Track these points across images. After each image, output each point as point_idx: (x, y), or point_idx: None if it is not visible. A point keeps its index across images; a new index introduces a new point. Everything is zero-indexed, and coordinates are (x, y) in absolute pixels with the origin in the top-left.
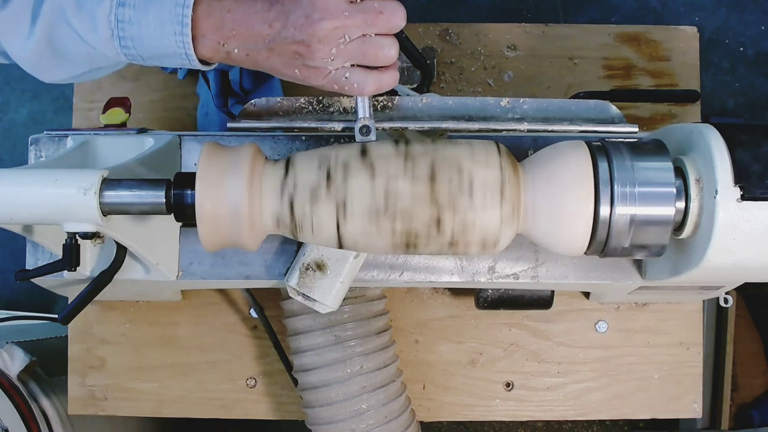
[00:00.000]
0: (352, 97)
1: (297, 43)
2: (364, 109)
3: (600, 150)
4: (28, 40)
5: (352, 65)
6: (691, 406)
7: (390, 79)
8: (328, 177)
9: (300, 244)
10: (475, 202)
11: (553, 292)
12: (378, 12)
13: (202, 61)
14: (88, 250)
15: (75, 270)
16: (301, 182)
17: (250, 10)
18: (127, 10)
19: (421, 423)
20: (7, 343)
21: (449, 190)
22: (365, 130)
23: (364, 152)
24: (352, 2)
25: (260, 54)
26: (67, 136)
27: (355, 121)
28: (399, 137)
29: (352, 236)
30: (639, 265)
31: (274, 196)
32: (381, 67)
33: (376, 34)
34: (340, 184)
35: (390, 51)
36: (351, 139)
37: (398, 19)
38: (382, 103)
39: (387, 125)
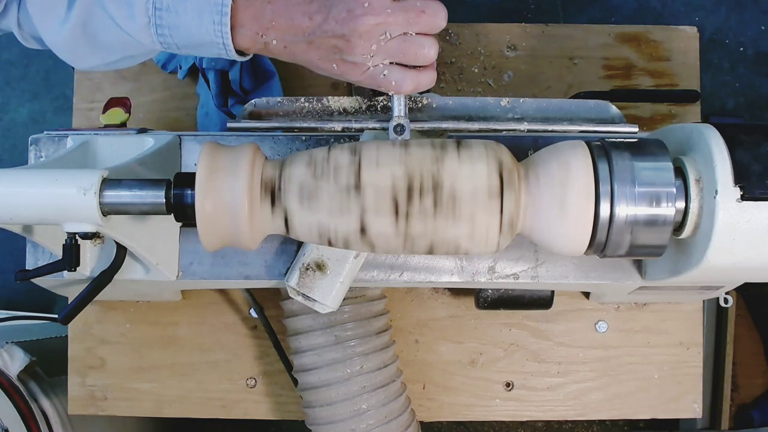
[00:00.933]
0: (388, 94)
1: (337, 37)
2: (399, 108)
3: (600, 150)
4: (63, 25)
5: (391, 63)
6: (691, 406)
7: (428, 79)
8: (330, 243)
9: (300, 244)
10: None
11: (553, 292)
12: (420, 11)
13: (239, 52)
14: (88, 250)
15: (75, 270)
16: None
17: (291, 2)
18: None
19: (421, 423)
20: (7, 343)
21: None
22: (399, 128)
23: (363, 230)
24: (395, 0)
25: (298, 46)
26: (67, 136)
27: (389, 120)
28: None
29: None
30: (639, 265)
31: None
32: (419, 66)
33: (416, 33)
34: None
35: (430, 51)
36: (351, 139)
37: (440, 19)
38: (381, 104)
39: (387, 125)
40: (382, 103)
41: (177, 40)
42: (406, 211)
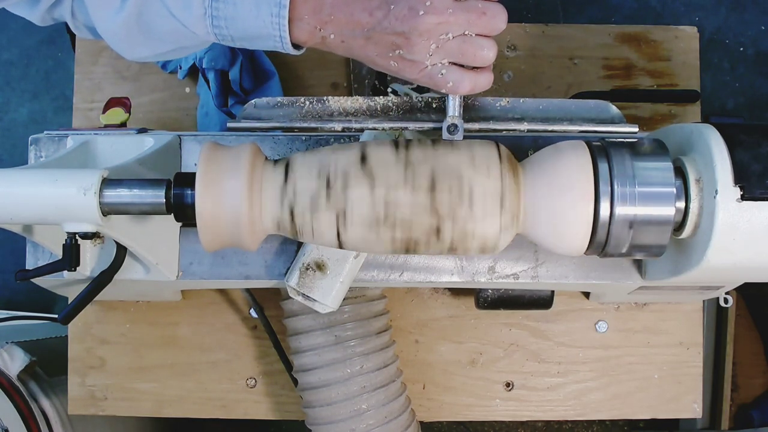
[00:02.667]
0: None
1: (397, 34)
2: (454, 108)
3: (600, 150)
4: (118, 14)
5: (450, 63)
6: (691, 406)
7: (485, 81)
8: (328, 185)
9: (300, 244)
10: (475, 211)
11: (553, 292)
12: (481, 12)
13: (295, 46)
14: (88, 250)
15: (75, 270)
16: (301, 189)
17: None
18: None
19: (421, 423)
20: (7, 343)
21: (449, 200)
22: (453, 128)
23: (363, 159)
24: (456, 0)
25: (356, 42)
26: (67, 136)
27: (443, 120)
28: (398, 137)
29: (353, 242)
30: (639, 265)
31: (274, 201)
32: (476, 67)
33: (476, 35)
34: (339, 192)
35: (489, 53)
36: (351, 139)
37: (500, 21)
38: (381, 104)
39: (387, 125)
40: (381, 104)
41: (232, 31)
42: (406, 142)
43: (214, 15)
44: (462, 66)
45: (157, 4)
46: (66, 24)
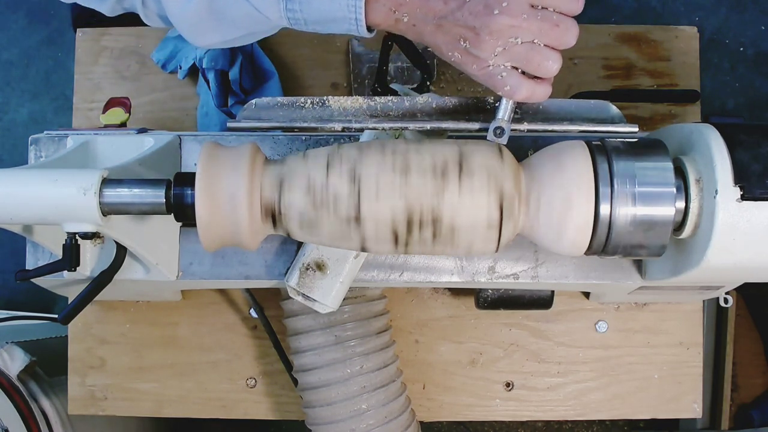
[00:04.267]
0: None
1: (467, 27)
2: (505, 111)
3: (600, 150)
4: (190, 0)
5: (512, 67)
6: (691, 406)
7: (543, 93)
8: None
9: (300, 244)
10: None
11: (553, 292)
12: (554, 24)
13: (368, 28)
14: (88, 250)
15: (75, 270)
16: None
17: None
18: None
19: (421, 423)
20: (7, 343)
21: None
22: (499, 131)
23: (363, 251)
24: (533, 7)
25: (427, 27)
26: (67, 136)
27: (492, 121)
28: (398, 137)
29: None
30: (639, 265)
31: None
32: (537, 77)
33: (544, 45)
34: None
35: (554, 65)
36: (350, 138)
37: (571, 36)
38: (381, 104)
39: (387, 125)
40: (381, 104)
41: (306, 15)
42: (406, 241)
43: None
44: (523, 73)
45: None
46: (70, 24)
